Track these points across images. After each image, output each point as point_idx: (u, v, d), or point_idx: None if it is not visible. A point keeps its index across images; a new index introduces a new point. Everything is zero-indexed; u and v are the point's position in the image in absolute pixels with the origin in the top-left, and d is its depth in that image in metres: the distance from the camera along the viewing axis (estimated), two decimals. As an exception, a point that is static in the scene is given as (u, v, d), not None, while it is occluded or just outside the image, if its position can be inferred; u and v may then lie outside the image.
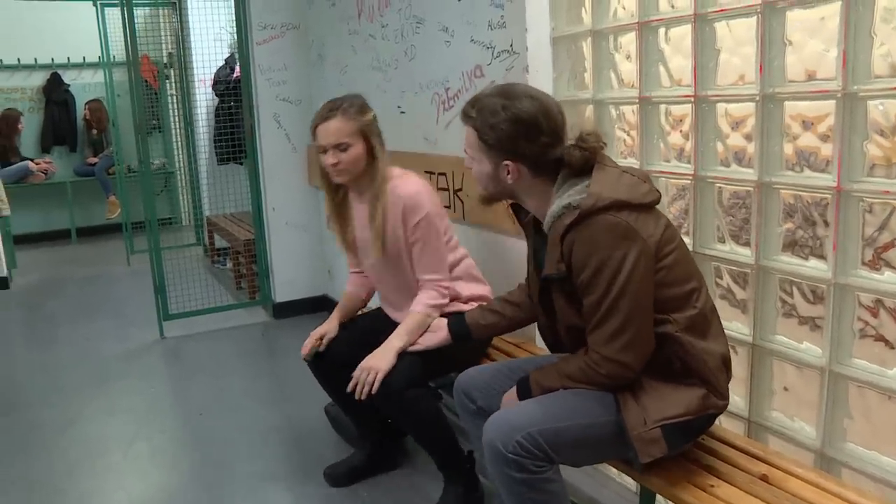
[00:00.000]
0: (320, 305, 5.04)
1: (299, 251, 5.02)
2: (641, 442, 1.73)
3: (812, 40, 1.81)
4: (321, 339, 2.68)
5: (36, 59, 8.38)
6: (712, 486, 1.73)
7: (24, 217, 7.92)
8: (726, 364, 1.83)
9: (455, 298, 2.59)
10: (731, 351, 1.85)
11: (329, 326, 2.72)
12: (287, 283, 5.04)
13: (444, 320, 2.43)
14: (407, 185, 2.50)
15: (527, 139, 1.78)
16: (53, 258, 7.69)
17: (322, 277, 5.06)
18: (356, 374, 2.37)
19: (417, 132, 3.40)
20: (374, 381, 2.32)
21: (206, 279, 5.50)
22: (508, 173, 1.83)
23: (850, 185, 1.73)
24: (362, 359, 2.39)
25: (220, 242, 6.58)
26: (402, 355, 2.40)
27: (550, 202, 1.81)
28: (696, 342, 1.76)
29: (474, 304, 2.55)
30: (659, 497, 1.94)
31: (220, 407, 3.60)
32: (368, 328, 2.74)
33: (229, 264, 6.15)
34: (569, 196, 1.74)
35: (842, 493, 1.65)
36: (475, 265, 2.73)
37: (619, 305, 1.69)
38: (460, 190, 3.05)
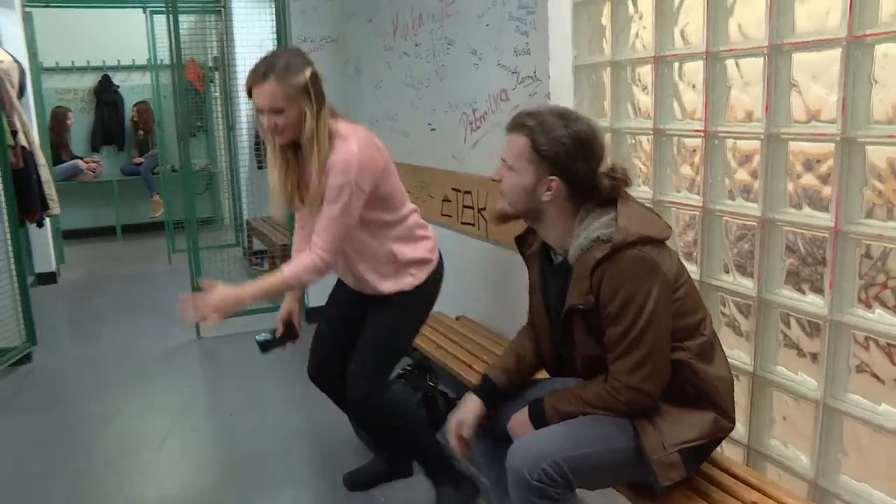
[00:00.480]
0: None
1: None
2: (661, 466, 1.80)
3: (816, 84, 1.88)
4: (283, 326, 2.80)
5: (88, 62, 8.67)
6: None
7: (72, 213, 8.18)
8: (732, 388, 1.91)
9: (392, 261, 2.56)
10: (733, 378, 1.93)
11: (283, 313, 2.83)
12: (319, 289, 5.14)
13: (472, 396, 2.14)
14: (341, 149, 2.35)
15: (582, 159, 1.84)
16: (99, 254, 7.95)
17: (354, 283, 5.19)
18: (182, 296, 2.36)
19: (446, 150, 3.51)
20: (197, 312, 2.34)
21: (244, 281, 5.65)
22: (548, 189, 1.86)
23: (847, 226, 1.80)
24: (351, 356, 2.54)
25: (258, 245, 6.75)
26: (361, 357, 2.52)
27: (570, 231, 1.88)
28: (706, 368, 1.85)
29: (413, 270, 2.58)
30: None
31: (250, 408, 3.74)
32: (346, 315, 2.73)
33: (266, 266, 6.31)
34: (596, 229, 1.81)
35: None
36: (420, 222, 2.67)
37: (643, 338, 1.77)
38: (484, 209, 3.15)
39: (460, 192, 3.35)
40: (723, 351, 1.92)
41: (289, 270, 2.40)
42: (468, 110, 3.28)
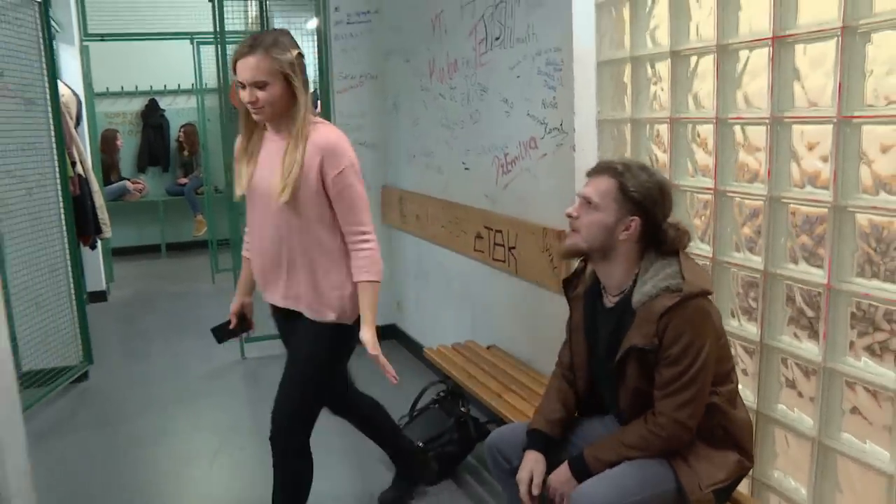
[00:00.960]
0: (389, 334, 5.39)
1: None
2: None
3: (811, 154, 2.08)
4: (236, 318, 2.83)
5: (136, 87, 9.05)
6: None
7: (120, 232, 8.53)
8: (752, 431, 2.14)
9: (343, 280, 2.47)
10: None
11: (236, 305, 2.85)
12: (358, 312, 5.41)
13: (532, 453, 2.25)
14: (328, 131, 2.38)
15: (660, 206, 2.07)
16: (146, 272, 8.30)
17: (390, 309, 5.43)
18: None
19: (479, 189, 3.74)
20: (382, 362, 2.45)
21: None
22: (626, 229, 2.05)
23: (839, 283, 2.00)
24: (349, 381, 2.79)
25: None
26: (289, 396, 2.67)
27: (630, 274, 2.09)
28: (734, 412, 2.08)
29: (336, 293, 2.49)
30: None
31: (293, 428, 3.98)
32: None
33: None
34: (664, 279, 2.01)
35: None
36: None
37: (696, 380, 1.98)
38: (514, 248, 3.38)
39: (492, 230, 3.58)
40: (741, 398, 2.14)
41: (368, 274, 2.41)
42: (500, 154, 3.51)
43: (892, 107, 1.84)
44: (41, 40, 4.35)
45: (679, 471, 2.03)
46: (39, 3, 4.26)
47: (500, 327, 3.73)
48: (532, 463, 2.21)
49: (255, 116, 2.38)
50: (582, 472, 2.10)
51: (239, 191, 2.54)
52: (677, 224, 2.10)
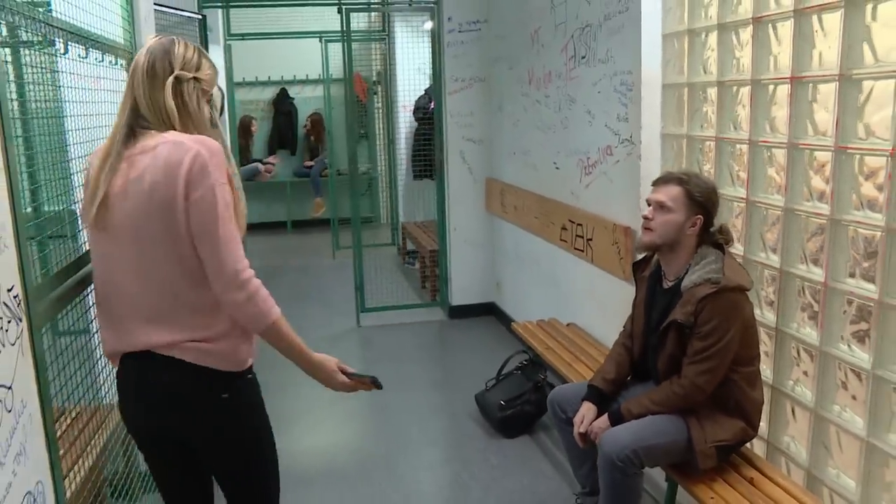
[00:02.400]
0: (488, 311, 6.02)
1: (473, 264, 6.01)
2: (702, 455, 2.54)
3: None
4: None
5: (269, 77, 9.93)
6: (713, 480, 2.54)
7: (250, 208, 9.30)
8: (761, 409, 2.65)
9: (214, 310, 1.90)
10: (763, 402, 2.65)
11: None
12: (461, 290, 6.06)
13: (587, 403, 2.81)
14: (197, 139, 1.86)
15: (715, 205, 2.63)
16: (272, 246, 9.19)
17: (491, 288, 6.03)
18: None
19: (566, 186, 4.28)
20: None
21: (397, 277, 6.69)
22: (693, 225, 2.58)
23: (887, 298, 2.46)
24: None
25: (410, 245, 7.72)
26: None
27: (687, 263, 2.62)
28: (748, 390, 2.59)
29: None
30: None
31: (398, 386, 4.65)
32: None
33: (417, 265, 7.25)
34: (708, 272, 2.52)
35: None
36: None
37: (717, 355, 2.50)
38: (591, 240, 3.91)
39: (574, 223, 4.11)
40: (762, 382, 2.64)
41: (275, 313, 1.93)
42: (583, 157, 4.03)
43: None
44: (199, 48, 5.13)
45: (691, 426, 2.55)
46: (201, 18, 5.05)
47: (578, 307, 4.27)
48: (585, 410, 2.80)
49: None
50: (615, 420, 2.67)
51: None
52: (722, 224, 2.66)
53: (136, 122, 1.89)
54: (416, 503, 3.34)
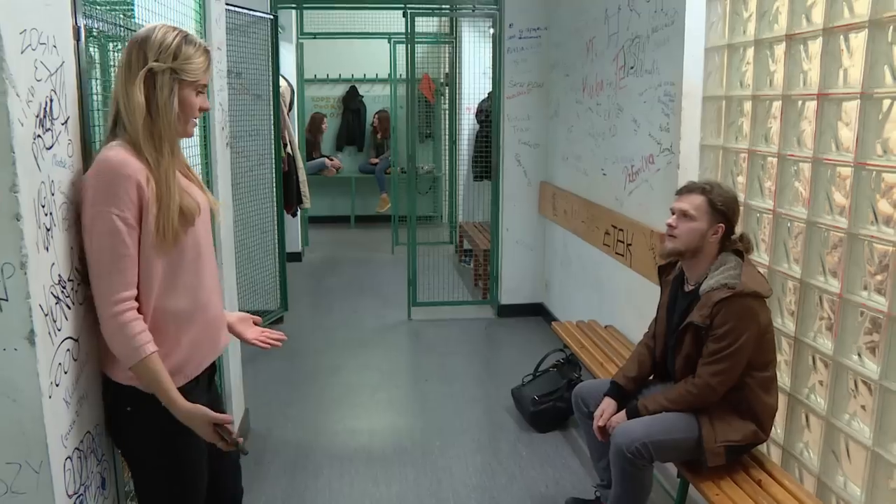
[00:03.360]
0: (536, 311, 6.16)
1: (524, 265, 6.16)
2: (711, 453, 2.66)
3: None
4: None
5: (340, 75, 10.23)
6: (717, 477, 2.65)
7: (315, 202, 9.72)
8: (774, 414, 2.75)
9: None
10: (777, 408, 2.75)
11: None
12: (511, 290, 6.21)
13: (608, 399, 2.95)
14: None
15: (736, 213, 2.76)
16: (335, 239, 9.49)
17: (540, 289, 6.17)
18: None
19: (611, 193, 4.40)
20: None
21: (451, 275, 6.90)
22: (715, 233, 2.69)
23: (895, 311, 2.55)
24: None
25: (467, 245, 7.89)
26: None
27: (707, 269, 2.74)
28: (762, 395, 2.69)
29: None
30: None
31: (441, 377, 4.84)
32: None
33: (472, 264, 7.42)
34: (726, 277, 2.65)
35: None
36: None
37: (730, 357, 2.62)
38: (630, 245, 4.03)
39: (616, 228, 4.23)
40: (777, 388, 2.74)
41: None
42: (628, 165, 4.15)
43: None
44: (269, 48, 5.41)
45: (703, 425, 2.67)
46: (272, 18, 5.31)
47: (617, 310, 4.39)
48: (605, 405, 2.94)
49: (193, 129, 1.99)
50: (632, 416, 2.80)
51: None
52: (743, 233, 2.78)
53: (113, 127, 1.85)
54: (447, 486, 3.52)
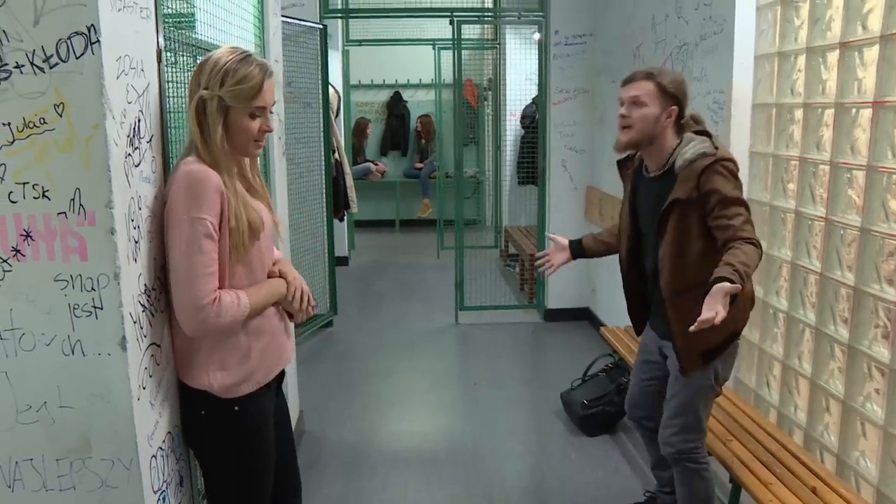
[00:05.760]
0: (583, 316, 6.20)
1: (569, 270, 6.10)
2: (687, 356, 2.66)
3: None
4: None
5: (384, 80, 10.36)
6: (770, 483, 2.68)
7: (361, 206, 9.87)
8: (753, 302, 2.79)
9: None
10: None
11: None
12: (557, 294, 6.26)
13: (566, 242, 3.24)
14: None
15: (687, 96, 2.69)
16: (380, 243, 9.61)
17: (586, 293, 6.21)
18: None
19: (658, 197, 4.43)
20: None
21: (497, 279, 6.98)
22: (668, 116, 2.62)
23: (904, 299, 2.56)
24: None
25: (512, 249, 7.96)
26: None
27: (667, 153, 2.65)
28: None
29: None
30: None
31: (489, 381, 4.91)
32: None
33: (517, 268, 7.48)
34: (702, 148, 2.58)
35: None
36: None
37: (743, 203, 2.55)
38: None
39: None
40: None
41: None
42: (676, 170, 4.18)
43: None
44: (319, 56, 5.53)
45: (676, 340, 2.69)
46: (321, 28, 5.43)
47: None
48: (558, 242, 3.30)
49: (257, 150, 2.06)
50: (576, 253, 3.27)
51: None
52: (692, 113, 2.76)
53: (189, 144, 1.95)
54: (497, 487, 3.58)
